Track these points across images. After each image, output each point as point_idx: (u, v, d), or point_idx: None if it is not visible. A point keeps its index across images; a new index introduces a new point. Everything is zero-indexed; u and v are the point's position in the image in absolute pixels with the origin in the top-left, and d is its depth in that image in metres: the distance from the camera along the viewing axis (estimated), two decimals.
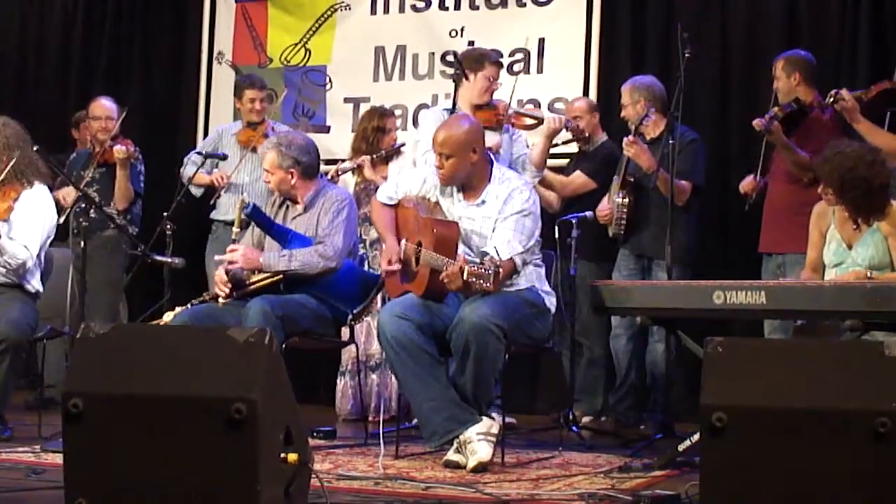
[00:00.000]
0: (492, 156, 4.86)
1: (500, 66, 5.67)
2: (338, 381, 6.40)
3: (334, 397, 6.41)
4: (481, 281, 4.17)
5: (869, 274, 4.47)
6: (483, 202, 4.67)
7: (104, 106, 6.63)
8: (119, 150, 6.34)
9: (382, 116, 6.44)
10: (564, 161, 6.42)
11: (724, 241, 6.29)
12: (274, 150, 5.15)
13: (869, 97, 5.24)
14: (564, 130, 5.80)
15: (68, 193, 6.26)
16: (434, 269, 4.44)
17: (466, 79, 5.46)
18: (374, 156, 6.25)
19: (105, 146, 6.45)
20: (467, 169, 4.64)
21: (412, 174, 4.99)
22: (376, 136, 6.33)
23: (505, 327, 4.36)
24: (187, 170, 6.57)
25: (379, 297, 5.51)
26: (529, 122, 5.66)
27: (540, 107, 6.85)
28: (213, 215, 6.61)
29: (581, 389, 6.13)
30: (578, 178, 6.15)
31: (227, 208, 6.46)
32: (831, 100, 5.28)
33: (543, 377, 6.65)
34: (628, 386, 6.01)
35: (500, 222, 4.59)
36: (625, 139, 5.77)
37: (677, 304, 4.44)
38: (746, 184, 5.70)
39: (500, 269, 4.20)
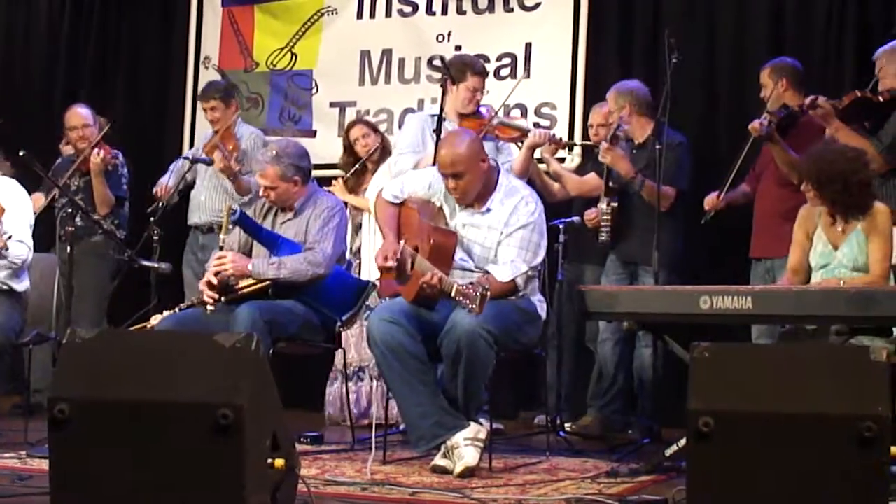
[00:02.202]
0: (497, 163, 4.87)
1: (485, 75, 5.67)
2: (330, 386, 6.38)
3: (323, 402, 6.40)
4: (467, 301, 4.20)
5: (842, 282, 4.49)
6: (489, 210, 4.67)
7: (79, 114, 6.63)
8: (94, 156, 6.34)
9: (348, 130, 6.46)
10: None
11: (713, 245, 6.29)
12: (274, 163, 5.09)
13: (842, 107, 5.26)
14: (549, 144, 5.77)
15: (38, 199, 6.26)
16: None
17: (455, 84, 5.49)
18: (343, 178, 6.30)
19: (85, 154, 6.43)
20: (482, 180, 4.64)
21: (419, 175, 4.95)
22: (352, 151, 6.39)
23: (496, 334, 4.36)
24: (164, 178, 6.62)
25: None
26: (514, 133, 5.66)
27: (527, 112, 6.86)
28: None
29: (593, 396, 6.12)
30: (592, 180, 6.10)
31: (195, 214, 6.61)
32: (808, 105, 5.30)
33: (532, 382, 6.65)
34: (616, 390, 6.02)
35: (506, 237, 4.60)
36: (601, 146, 5.78)
37: (663, 309, 4.45)
38: (709, 200, 5.71)
39: (488, 294, 4.20)
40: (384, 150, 6.32)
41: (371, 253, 5.61)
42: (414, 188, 4.82)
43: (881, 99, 5.22)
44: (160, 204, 6.38)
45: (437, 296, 4.41)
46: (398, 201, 4.84)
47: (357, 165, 6.34)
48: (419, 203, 4.75)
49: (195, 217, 6.64)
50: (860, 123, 5.31)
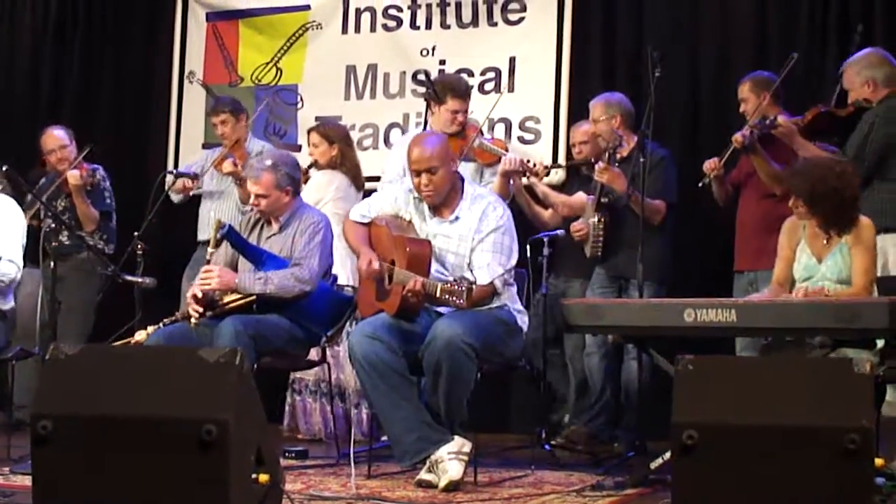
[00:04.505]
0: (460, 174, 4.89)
1: (466, 97, 5.68)
2: (290, 398, 6.31)
3: (279, 414, 6.29)
4: (454, 298, 4.21)
5: (827, 291, 4.50)
6: (457, 218, 4.69)
7: (54, 136, 6.64)
8: (72, 176, 6.33)
9: (307, 135, 6.41)
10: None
11: (698, 258, 6.30)
12: (270, 171, 5.09)
13: (805, 122, 5.26)
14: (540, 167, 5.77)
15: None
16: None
17: (436, 105, 5.51)
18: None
19: (65, 175, 6.42)
20: (451, 181, 4.68)
21: (384, 193, 5.02)
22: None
23: (477, 346, 4.37)
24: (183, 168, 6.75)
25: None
26: (491, 158, 5.68)
27: (511, 126, 6.87)
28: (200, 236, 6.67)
29: (577, 411, 6.11)
30: (580, 200, 6.05)
31: (205, 229, 6.56)
32: (767, 123, 5.30)
33: (516, 396, 6.65)
34: (602, 404, 6.01)
35: (478, 243, 4.62)
36: (597, 166, 5.77)
37: (648, 322, 4.45)
38: (710, 163, 5.60)
39: (474, 287, 4.22)
40: (329, 164, 6.18)
41: None
42: (381, 206, 4.87)
43: (844, 113, 5.20)
44: (189, 194, 6.59)
45: (421, 303, 4.42)
46: (366, 220, 4.87)
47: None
48: (387, 219, 4.79)
49: (204, 233, 6.61)
50: (828, 139, 5.32)
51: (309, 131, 6.37)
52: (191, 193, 6.69)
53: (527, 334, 4.87)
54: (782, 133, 5.29)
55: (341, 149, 6.19)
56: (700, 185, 5.63)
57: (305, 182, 6.02)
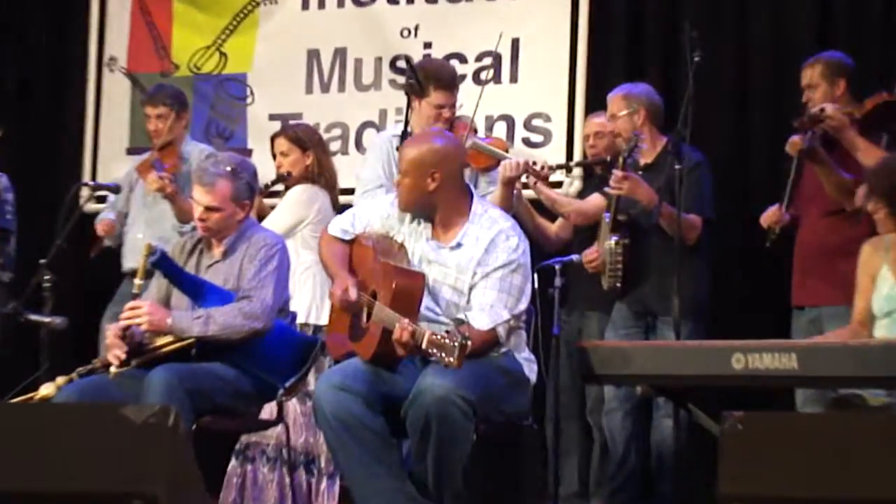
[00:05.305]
0: (472, 189, 4.90)
1: (453, 87, 5.68)
2: (241, 467, 6.28)
3: (218, 484, 6.26)
4: (443, 354, 4.18)
5: None
6: (459, 245, 4.69)
7: None
8: None
9: (271, 142, 6.39)
10: None
11: (745, 290, 6.32)
12: (229, 179, 5.06)
13: (863, 113, 5.28)
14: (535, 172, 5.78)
15: None
16: (388, 328, 4.43)
17: (418, 99, 5.53)
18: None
19: None
20: (422, 198, 4.68)
21: (373, 205, 5.00)
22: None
23: (474, 401, 4.36)
24: (104, 213, 6.74)
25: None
26: (489, 161, 5.66)
27: (514, 125, 6.88)
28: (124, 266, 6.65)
29: (599, 481, 6.14)
30: (596, 201, 6.09)
31: (131, 257, 6.52)
32: (812, 116, 5.31)
33: (522, 463, 6.65)
34: (628, 472, 6.01)
35: (482, 279, 4.62)
36: (613, 176, 5.76)
37: (687, 370, 4.44)
38: (770, 214, 5.72)
39: (468, 344, 4.20)
40: (305, 177, 6.19)
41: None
42: (368, 220, 4.86)
43: None
44: (104, 243, 6.48)
45: (406, 354, 4.40)
46: (349, 237, 4.87)
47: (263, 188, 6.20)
48: (375, 238, 4.78)
49: (131, 261, 6.57)
50: (890, 132, 5.34)
51: (274, 136, 6.36)
52: (117, 232, 6.63)
53: (535, 386, 4.88)
54: (831, 126, 5.29)
55: (317, 157, 6.19)
56: (767, 244, 5.67)
57: (263, 197, 6.04)
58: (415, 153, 4.71)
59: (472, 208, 4.75)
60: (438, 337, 4.22)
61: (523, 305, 4.66)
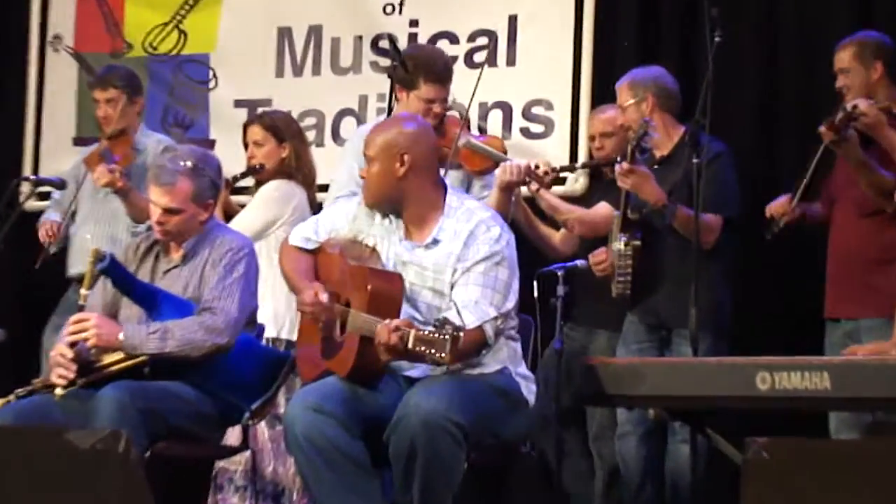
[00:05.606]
0: (445, 181, 4.89)
1: (445, 80, 5.64)
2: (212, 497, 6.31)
3: None
4: (433, 350, 4.16)
5: None
6: (435, 242, 4.68)
7: None
8: None
9: (244, 131, 6.37)
10: None
11: (772, 299, 6.32)
12: (190, 177, 5.03)
13: None
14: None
15: None
16: (366, 336, 4.42)
17: (404, 91, 5.51)
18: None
19: None
20: (391, 187, 4.67)
21: (337, 208, 5.01)
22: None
23: (465, 425, 4.36)
24: (47, 213, 6.70)
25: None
26: (486, 163, 5.63)
27: (511, 114, 6.88)
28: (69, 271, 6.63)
29: None
30: (603, 212, 6.11)
31: (78, 261, 6.49)
32: (846, 113, 5.31)
33: (518, 494, 6.66)
34: (643, 502, 6.03)
35: (462, 274, 4.61)
36: (617, 168, 5.75)
37: (706, 390, 4.45)
38: (777, 205, 5.72)
39: (460, 336, 4.20)
40: (281, 171, 6.18)
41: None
42: (333, 224, 4.87)
43: None
44: (50, 250, 6.45)
45: (391, 358, 4.38)
46: (313, 246, 4.88)
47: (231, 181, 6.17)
48: (342, 244, 4.78)
49: (78, 265, 6.55)
50: None
51: (247, 124, 6.37)
52: (63, 235, 6.61)
53: (534, 408, 4.87)
54: (866, 125, 5.30)
55: (295, 148, 6.21)
56: (768, 236, 5.69)
57: (231, 193, 6.03)
58: (381, 137, 4.73)
59: (446, 201, 4.75)
60: (426, 332, 4.22)
61: (511, 303, 4.64)
